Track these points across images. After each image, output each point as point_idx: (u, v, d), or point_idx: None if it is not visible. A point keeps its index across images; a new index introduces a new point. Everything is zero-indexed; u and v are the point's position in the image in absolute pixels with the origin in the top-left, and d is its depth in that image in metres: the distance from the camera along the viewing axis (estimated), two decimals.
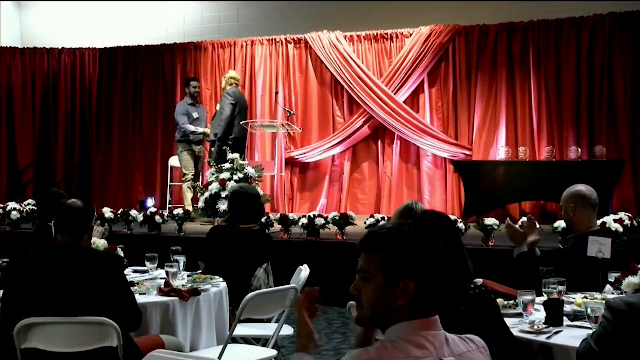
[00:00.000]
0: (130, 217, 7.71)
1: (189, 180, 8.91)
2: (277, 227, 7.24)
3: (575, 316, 2.98)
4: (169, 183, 9.79)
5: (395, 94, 9.27)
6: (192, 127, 8.98)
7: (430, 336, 1.68)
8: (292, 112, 9.14)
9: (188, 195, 8.92)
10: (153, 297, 3.69)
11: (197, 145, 9.09)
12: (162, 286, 3.79)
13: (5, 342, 3.03)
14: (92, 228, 3.31)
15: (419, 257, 1.70)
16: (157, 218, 7.56)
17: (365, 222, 6.76)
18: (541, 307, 3.03)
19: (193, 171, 9.03)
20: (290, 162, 9.80)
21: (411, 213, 3.45)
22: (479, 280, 2.72)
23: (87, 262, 3.12)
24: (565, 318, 2.96)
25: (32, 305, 3.03)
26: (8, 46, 11.04)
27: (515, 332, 2.71)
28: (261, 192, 7.77)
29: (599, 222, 4.71)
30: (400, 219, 3.44)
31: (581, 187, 3.88)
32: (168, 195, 9.69)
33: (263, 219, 6.87)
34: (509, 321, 2.71)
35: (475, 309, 2.47)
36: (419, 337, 1.68)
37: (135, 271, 4.40)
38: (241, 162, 7.78)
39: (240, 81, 10.14)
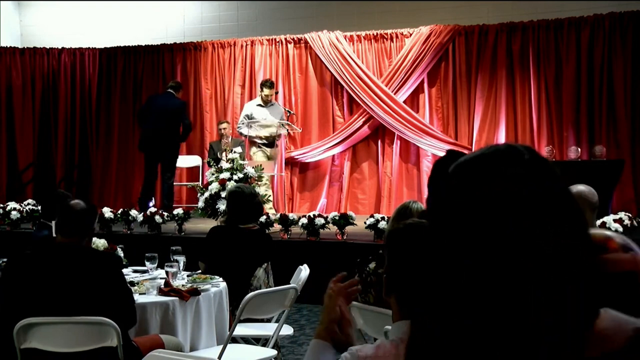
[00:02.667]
0: (130, 217, 7.71)
1: (265, 184, 8.32)
2: (277, 227, 7.24)
3: None
4: None
5: (395, 94, 9.27)
6: (244, 130, 8.58)
7: None
8: (292, 112, 9.15)
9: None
10: (153, 297, 3.69)
11: (268, 148, 8.62)
12: (162, 286, 3.79)
13: (5, 342, 3.03)
14: (93, 230, 3.31)
15: (396, 254, 1.73)
16: (157, 218, 7.56)
17: (365, 222, 6.77)
18: None
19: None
20: (290, 162, 9.81)
21: (406, 212, 3.46)
22: None
23: (86, 261, 3.12)
24: None
25: (31, 305, 3.03)
26: (8, 46, 11.04)
27: None
28: (261, 192, 7.78)
29: (598, 222, 4.72)
30: (397, 219, 3.44)
31: (582, 188, 3.85)
32: None
33: (263, 219, 6.87)
34: None
35: None
36: None
37: (135, 271, 4.40)
38: (241, 162, 7.78)
39: (240, 81, 10.17)
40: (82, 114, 10.95)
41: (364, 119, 9.48)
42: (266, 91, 8.61)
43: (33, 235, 4.98)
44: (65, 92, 10.94)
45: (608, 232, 1.24)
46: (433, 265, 0.87)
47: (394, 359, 1.65)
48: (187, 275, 4.17)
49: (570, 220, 0.87)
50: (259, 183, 7.83)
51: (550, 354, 0.83)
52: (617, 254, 1.21)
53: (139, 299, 3.55)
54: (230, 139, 9.40)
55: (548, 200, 0.85)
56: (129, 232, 7.72)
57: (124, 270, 3.73)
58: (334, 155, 9.74)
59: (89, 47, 10.96)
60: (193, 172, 10.23)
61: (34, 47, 11.02)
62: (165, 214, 7.71)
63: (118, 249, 4.47)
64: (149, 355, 2.48)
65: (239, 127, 8.79)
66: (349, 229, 7.01)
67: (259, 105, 8.70)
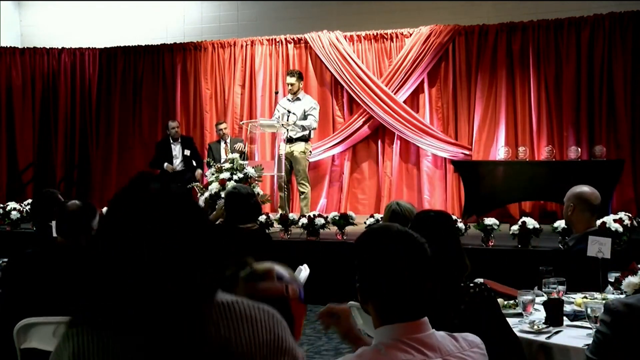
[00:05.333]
0: None
1: (280, 185, 8.31)
2: (277, 227, 7.24)
3: (575, 316, 2.98)
4: None
5: (395, 94, 9.27)
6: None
7: (415, 340, 1.65)
8: (291, 112, 9.13)
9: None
10: None
11: (285, 144, 8.30)
12: None
13: (6, 342, 3.03)
14: (92, 229, 3.27)
15: (367, 261, 1.72)
16: None
17: (365, 222, 6.76)
18: (541, 307, 3.03)
19: (281, 173, 8.24)
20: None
21: (398, 216, 3.45)
22: (480, 280, 2.74)
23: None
24: (565, 318, 2.96)
25: (32, 305, 3.03)
26: (8, 46, 11.04)
27: (515, 332, 2.71)
28: (261, 192, 7.78)
29: (598, 222, 4.71)
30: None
31: (585, 189, 3.84)
32: None
33: (263, 219, 6.87)
34: (509, 321, 2.72)
35: (476, 307, 2.48)
36: (404, 340, 1.65)
37: None
38: (241, 162, 7.78)
39: (240, 81, 10.18)
40: (82, 114, 10.95)
41: (364, 119, 9.47)
42: (288, 79, 8.55)
43: (37, 235, 4.96)
44: (65, 92, 10.94)
45: (273, 265, 1.64)
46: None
47: None
48: None
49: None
50: (258, 182, 7.84)
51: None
52: (270, 282, 1.70)
53: None
54: (229, 139, 9.40)
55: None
56: None
57: None
58: (334, 155, 9.74)
59: (89, 47, 10.96)
60: None
61: (34, 47, 11.02)
62: None
63: None
64: None
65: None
66: (349, 229, 7.01)
67: (288, 99, 8.61)
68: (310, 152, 8.69)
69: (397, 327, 1.67)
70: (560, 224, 5.91)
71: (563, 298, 3.11)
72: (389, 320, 1.68)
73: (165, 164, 9.43)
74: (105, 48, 10.87)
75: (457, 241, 2.68)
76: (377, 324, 1.72)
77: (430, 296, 1.71)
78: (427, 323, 1.70)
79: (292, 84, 8.49)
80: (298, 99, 8.53)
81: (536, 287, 3.37)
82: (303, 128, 8.33)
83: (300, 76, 8.66)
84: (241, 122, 9.58)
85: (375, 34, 9.55)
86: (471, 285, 2.56)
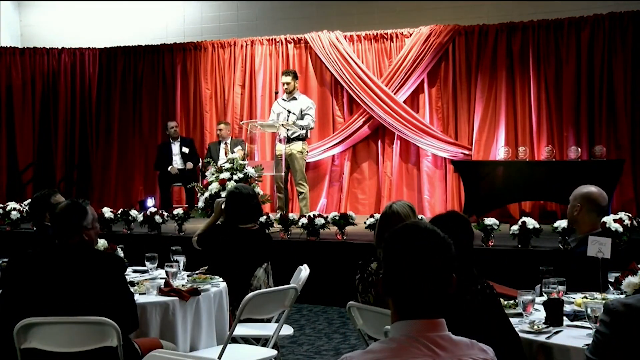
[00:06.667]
0: (130, 217, 7.71)
1: (278, 186, 8.36)
2: (277, 227, 7.24)
3: (575, 316, 2.98)
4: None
5: (395, 94, 9.27)
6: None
7: (428, 338, 1.66)
8: (291, 112, 9.13)
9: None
10: (153, 297, 3.69)
11: (283, 144, 8.27)
12: (162, 286, 3.79)
13: (6, 342, 3.03)
14: (85, 227, 3.23)
15: (389, 255, 1.74)
16: (157, 218, 7.56)
17: (365, 222, 6.76)
18: (541, 307, 3.04)
19: (280, 174, 8.26)
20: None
21: (391, 219, 3.44)
22: None
23: (87, 261, 3.12)
24: (565, 318, 2.96)
25: (32, 304, 3.04)
26: (8, 46, 11.04)
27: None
28: (261, 192, 7.79)
29: None
30: (385, 224, 3.46)
31: (593, 190, 3.82)
32: None
33: (263, 219, 6.86)
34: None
35: (478, 306, 2.48)
36: (416, 337, 1.66)
37: (135, 271, 4.40)
38: (241, 162, 7.78)
39: (240, 81, 10.19)
40: (82, 114, 10.95)
41: (364, 119, 9.48)
42: (283, 79, 8.54)
43: (37, 234, 4.97)
44: (65, 92, 10.94)
45: None
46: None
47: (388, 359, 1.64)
48: (187, 275, 4.17)
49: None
50: (258, 182, 7.84)
51: None
52: None
53: (139, 299, 3.55)
54: (230, 140, 9.40)
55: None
56: (129, 232, 7.72)
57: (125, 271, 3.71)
58: (334, 155, 9.74)
59: (89, 47, 10.96)
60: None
61: (34, 47, 11.02)
62: (165, 214, 7.71)
63: (118, 249, 4.46)
64: (149, 355, 2.49)
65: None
66: (349, 229, 7.01)
67: (283, 99, 8.58)
68: (308, 152, 8.69)
69: (412, 323, 1.69)
70: (560, 224, 5.91)
71: (563, 298, 3.11)
72: (406, 315, 1.70)
73: (170, 167, 9.44)
74: (105, 48, 10.87)
75: (471, 247, 2.76)
76: (394, 318, 1.73)
77: (449, 296, 1.72)
78: (443, 324, 1.71)
79: (287, 83, 8.48)
80: (294, 98, 8.51)
81: (537, 287, 3.38)
82: (302, 128, 8.33)
83: (295, 75, 8.64)
84: (241, 122, 9.59)
85: (375, 34, 9.55)
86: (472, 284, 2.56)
